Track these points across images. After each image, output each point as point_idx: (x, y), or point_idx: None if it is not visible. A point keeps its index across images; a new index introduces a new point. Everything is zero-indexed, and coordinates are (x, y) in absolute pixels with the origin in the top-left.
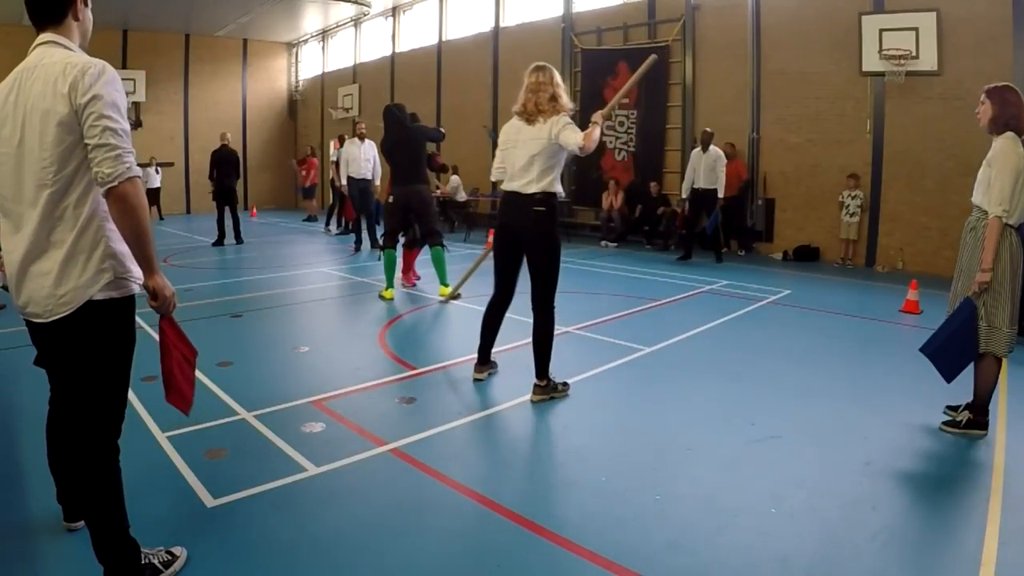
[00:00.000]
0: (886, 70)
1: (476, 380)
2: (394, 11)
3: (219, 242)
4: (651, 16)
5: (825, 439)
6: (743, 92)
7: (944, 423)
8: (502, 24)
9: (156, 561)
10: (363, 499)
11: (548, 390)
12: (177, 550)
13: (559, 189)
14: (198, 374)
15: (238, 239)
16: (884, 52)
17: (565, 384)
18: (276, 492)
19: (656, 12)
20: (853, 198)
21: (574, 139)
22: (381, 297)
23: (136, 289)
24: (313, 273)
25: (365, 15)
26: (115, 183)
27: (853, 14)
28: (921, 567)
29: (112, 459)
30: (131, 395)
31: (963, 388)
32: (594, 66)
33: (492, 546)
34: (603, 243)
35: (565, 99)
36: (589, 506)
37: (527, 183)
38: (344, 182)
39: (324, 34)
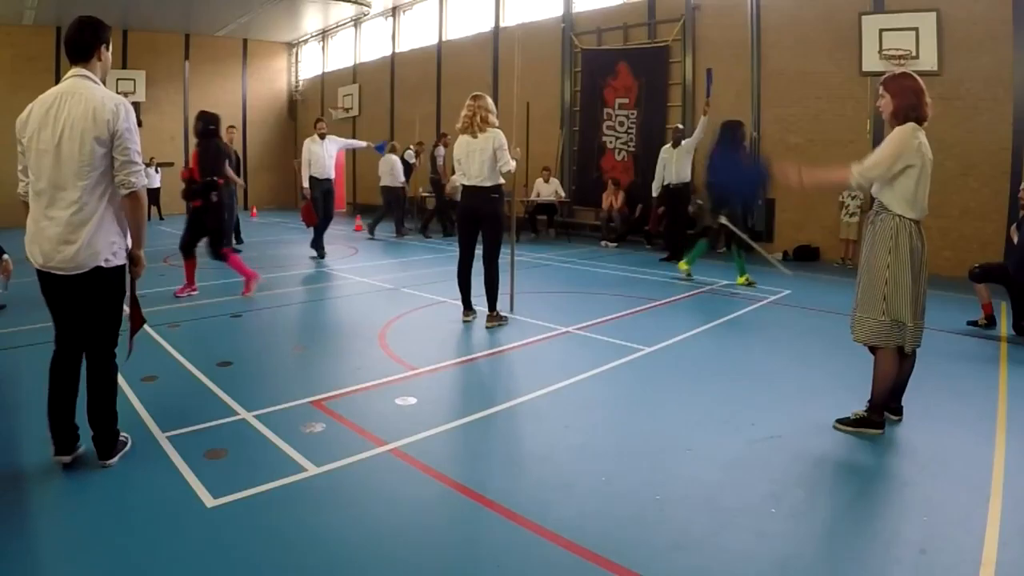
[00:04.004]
0: (886, 70)
1: (465, 322)
2: (394, 11)
3: None
4: (651, 16)
5: (825, 439)
6: (743, 92)
7: (838, 420)
8: (502, 24)
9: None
10: (363, 499)
11: (497, 319)
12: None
13: (501, 179)
14: (197, 373)
15: (238, 239)
16: (884, 52)
17: (505, 317)
18: (276, 492)
19: (656, 12)
20: (853, 198)
21: (506, 162)
22: (686, 273)
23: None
24: (313, 273)
25: (365, 15)
26: (135, 188)
27: (853, 14)
28: (921, 567)
29: (112, 357)
30: (131, 395)
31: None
32: (594, 66)
33: (492, 546)
34: (603, 243)
35: (492, 118)
36: (589, 506)
37: (483, 180)
38: (306, 183)
39: (324, 34)
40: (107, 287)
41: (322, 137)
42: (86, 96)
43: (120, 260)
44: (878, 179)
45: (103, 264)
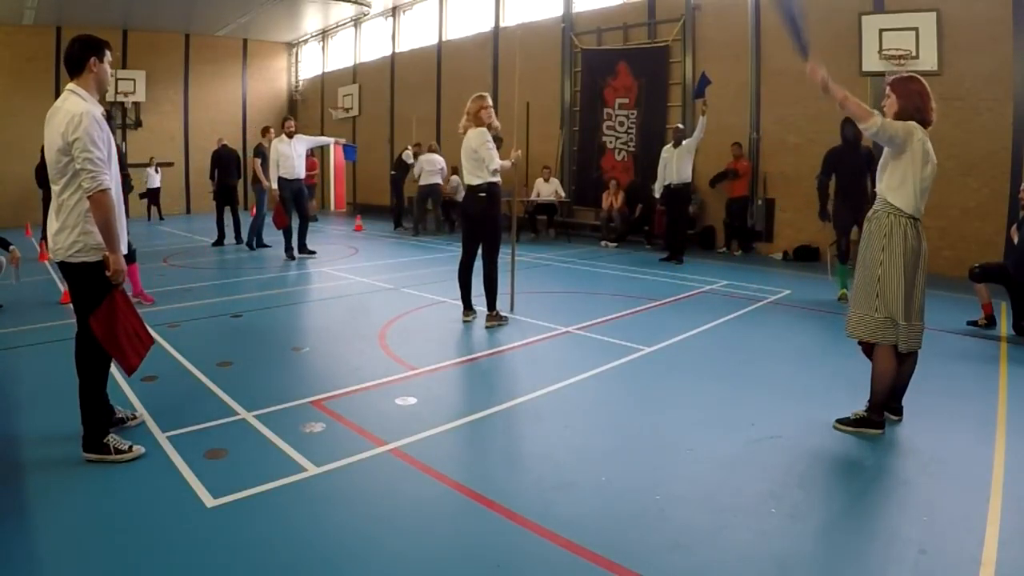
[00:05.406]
0: (886, 70)
1: (465, 322)
2: (394, 11)
3: (219, 242)
4: (651, 16)
5: (825, 439)
6: (743, 92)
7: (838, 420)
8: (502, 24)
9: (113, 444)
10: (363, 499)
11: (497, 319)
12: (138, 448)
13: (491, 178)
14: (197, 373)
15: (238, 239)
16: (884, 52)
17: (505, 317)
18: (276, 492)
19: (656, 12)
20: None
21: (491, 160)
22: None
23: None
24: (313, 273)
25: (365, 15)
26: (91, 192)
27: (853, 14)
28: (921, 567)
29: (86, 350)
30: (131, 395)
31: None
32: (594, 66)
33: (492, 546)
34: (603, 243)
35: (483, 114)
36: (589, 506)
37: (473, 178)
38: (275, 185)
39: (324, 34)
40: (74, 280)
41: (290, 136)
42: (63, 109)
43: (87, 258)
44: (893, 140)
45: (67, 260)
